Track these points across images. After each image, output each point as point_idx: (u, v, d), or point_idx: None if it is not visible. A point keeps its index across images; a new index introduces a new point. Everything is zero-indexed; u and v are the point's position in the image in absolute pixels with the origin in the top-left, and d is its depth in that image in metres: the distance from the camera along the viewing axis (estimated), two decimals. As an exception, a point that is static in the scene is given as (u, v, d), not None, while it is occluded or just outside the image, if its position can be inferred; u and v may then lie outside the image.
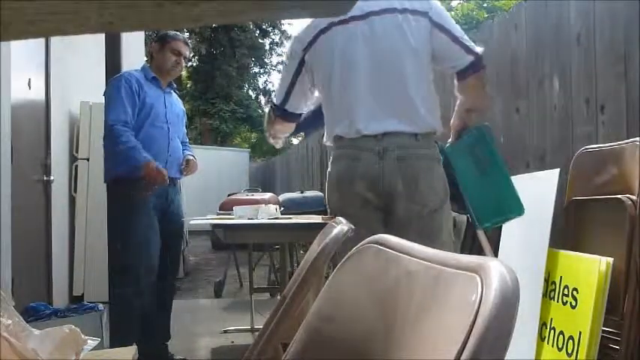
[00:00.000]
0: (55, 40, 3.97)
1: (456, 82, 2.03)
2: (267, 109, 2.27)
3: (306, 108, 2.17)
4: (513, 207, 1.88)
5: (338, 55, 1.95)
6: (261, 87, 22.29)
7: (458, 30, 1.99)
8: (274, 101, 2.17)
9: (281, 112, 2.14)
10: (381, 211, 1.92)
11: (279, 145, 2.42)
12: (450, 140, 2.08)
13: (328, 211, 2.08)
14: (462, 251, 2.72)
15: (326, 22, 1.97)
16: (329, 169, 2.00)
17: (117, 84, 2.82)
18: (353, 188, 1.90)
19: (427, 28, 1.95)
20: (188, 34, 18.62)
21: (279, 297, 1.68)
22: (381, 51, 1.92)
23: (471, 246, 2.78)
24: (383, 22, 1.93)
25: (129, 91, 2.78)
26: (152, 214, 2.80)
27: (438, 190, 1.92)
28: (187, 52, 3.00)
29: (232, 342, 3.64)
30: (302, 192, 4.08)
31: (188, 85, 21.06)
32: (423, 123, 1.90)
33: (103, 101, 2.90)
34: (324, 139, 2.09)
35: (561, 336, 1.85)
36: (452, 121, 2.05)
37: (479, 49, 1.98)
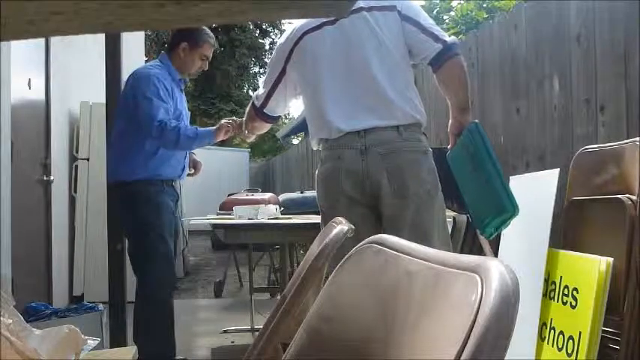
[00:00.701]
0: (55, 40, 3.97)
1: (434, 75, 2.01)
2: (248, 106, 2.32)
3: (285, 111, 2.28)
4: (507, 206, 1.87)
5: (310, 62, 1.99)
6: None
7: (427, 20, 1.98)
8: (255, 100, 2.22)
9: (260, 113, 2.21)
10: (369, 209, 1.92)
11: (250, 139, 2.53)
12: (449, 146, 2.08)
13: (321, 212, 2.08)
14: (462, 251, 2.72)
15: (300, 33, 2.01)
16: (317, 173, 2.02)
17: (154, 84, 2.62)
18: (338, 187, 1.90)
19: (397, 22, 1.94)
20: (188, 34, 18.63)
21: (279, 297, 1.69)
22: (351, 51, 1.94)
23: (471, 246, 2.78)
24: (351, 23, 1.93)
25: (167, 94, 2.67)
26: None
27: (425, 182, 1.89)
28: (210, 54, 2.86)
29: (232, 342, 3.64)
30: (302, 192, 4.08)
31: (188, 85, 21.06)
32: (402, 114, 1.89)
33: (123, 99, 2.74)
34: (313, 144, 2.09)
35: (561, 336, 1.85)
36: (448, 127, 2.04)
37: (450, 38, 1.96)
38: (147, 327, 2.63)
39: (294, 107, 24.13)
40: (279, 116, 2.29)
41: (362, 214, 1.90)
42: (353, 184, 1.88)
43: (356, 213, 1.86)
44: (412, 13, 1.96)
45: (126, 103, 2.70)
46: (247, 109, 2.31)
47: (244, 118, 2.38)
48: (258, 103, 2.20)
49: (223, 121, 2.72)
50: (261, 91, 2.19)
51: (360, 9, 1.93)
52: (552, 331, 1.92)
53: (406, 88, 1.95)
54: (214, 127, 2.70)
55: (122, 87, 2.88)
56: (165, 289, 2.70)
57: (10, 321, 0.97)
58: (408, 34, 1.95)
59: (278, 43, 2.15)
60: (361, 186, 1.88)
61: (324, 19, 1.93)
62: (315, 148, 2.08)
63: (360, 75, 1.92)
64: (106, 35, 3.42)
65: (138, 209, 2.63)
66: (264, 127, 2.37)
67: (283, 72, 2.08)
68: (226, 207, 4.80)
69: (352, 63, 1.93)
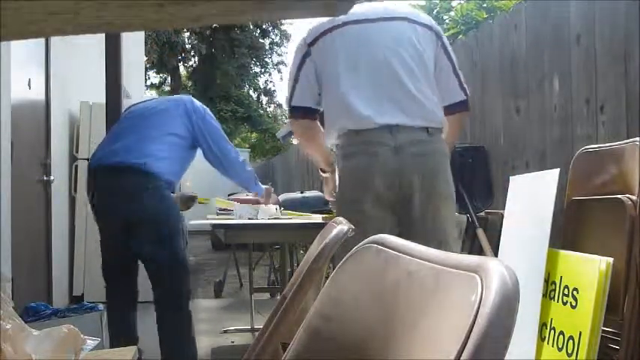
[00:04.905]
0: (55, 40, 3.97)
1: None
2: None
3: (314, 103, 2.08)
4: None
5: (345, 53, 1.96)
6: (261, 87, 22.30)
7: (456, 63, 2.07)
8: (289, 107, 2.12)
9: (291, 112, 2.10)
10: (391, 209, 1.91)
11: (327, 168, 2.29)
12: None
13: (336, 209, 2.04)
14: (462, 251, 2.72)
15: (336, 21, 1.98)
16: (341, 166, 1.96)
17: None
18: (369, 184, 1.87)
19: (434, 42, 2.01)
20: (188, 34, 18.66)
21: (279, 297, 1.69)
22: (387, 52, 1.94)
23: (470, 246, 2.78)
24: (392, 26, 1.98)
25: None
26: None
27: (450, 185, 1.95)
28: None
29: (232, 342, 3.64)
30: (302, 192, 4.08)
31: (188, 85, 21.08)
32: (431, 117, 1.93)
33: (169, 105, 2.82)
34: (329, 137, 2.05)
35: (561, 336, 1.85)
36: None
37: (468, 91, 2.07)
38: (182, 334, 2.60)
39: (294, 107, 24.07)
40: (313, 110, 2.08)
41: (384, 213, 1.89)
42: (385, 182, 1.87)
43: (380, 211, 1.87)
44: (449, 48, 2.06)
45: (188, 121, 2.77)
46: (295, 130, 2.19)
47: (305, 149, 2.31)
48: (287, 102, 2.09)
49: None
50: (288, 91, 2.10)
51: (404, 18, 1.99)
52: (552, 331, 1.92)
53: (433, 96, 1.98)
54: (264, 187, 2.95)
55: (122, 87, 2.88)
56: (187, 284, 2.67)
57: (9, 326, 0.97)
58: (440, 64, 2.03)
59: (301, 40, 2.08)
60: (392, 185, 1.87)
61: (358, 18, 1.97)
62: (332, 141, 2.02)
63: (393, 74, 1.93)
64: (106, 35, 3.42)
65: (172, 210, 2.62)
66: (310, 134, 2.16)
67: (307, 54, 2.02)
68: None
69: (387, 62, 1.93)
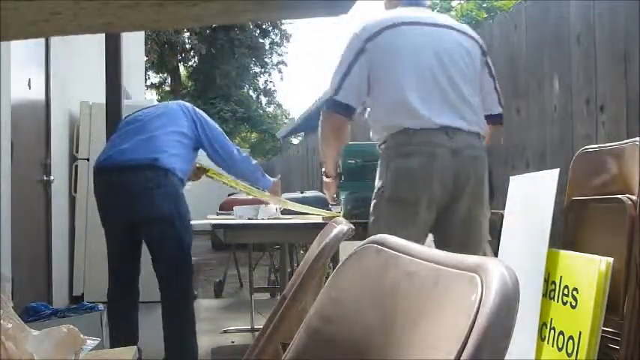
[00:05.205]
0: (55, 40, 3.97)
1: None
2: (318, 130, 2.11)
3: (358, 104, 2.03)
4: None
5: (405, 52, 1.94)
6: (261, 87, 22.29)
7: (497, 79, 2.14)
8: (328, 97, 2.04)
9: (332, 105, 2.00)
10: (437, 212, 1.91)
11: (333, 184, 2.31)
12: None
13: (379, 207, 1.96)
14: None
15: (390, 20, 1.98)
16: (394, 165, 1.91)
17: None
18: (426, 186, 1.86)
19: (479, 57, 2.05)
20: (188, 34, 18.66)
21: (279, 297, 1.69)
22: (448, 56, 1.95)
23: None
24: (445, 33, 2.00)
25: None
26: None
27: (488, 190, 2.00)
28: None
29: (232, 342, 3.64)
30: (302, 192, 4.08)
31: (188, 85, 21.08)
32: (482, 124, 1.98)
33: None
34: (376, 134, 2.01)
35: (561, 336, 1.85)
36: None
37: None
38: (190, 331, 2.62)
39: (294, 108, 24.09)
40: (354, 110, 2.02)
41: (431, 216, 1.90)
42: (441, 185, 1.87)
43: (429, 213, 1.88)
44: (491, 65, 2.11)
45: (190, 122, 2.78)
46: (318, 133, 2.13)
47: (320, 151, 2.22)
48: (330, 93, 2.00)
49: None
50: (332, 82, 2.01)
51: (455, 29, 2.03)
52: (552, 331, 1.92)
53: (481, 105, 2.03)
54: (271, 181, 2.95)
55: (122, 87, 2.88)
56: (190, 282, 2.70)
57: (10, 325, 0.97)
58: (482, 79, 2.07)
59: (354, 32, 2.02)
60: (446, 187, 1.88)
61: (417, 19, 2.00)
62: (380, 136, 1.98)
63: (451, 78, 1.94)
64: (106, 35, 3.42)
65: (185, 208, 2.61)
66: (339, 135, 2.10)
67: (362, 51, 1.95)
68: (226, 207, 4.80)
69: (445, 66, 1.94)
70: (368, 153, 2.30)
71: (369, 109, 2.05)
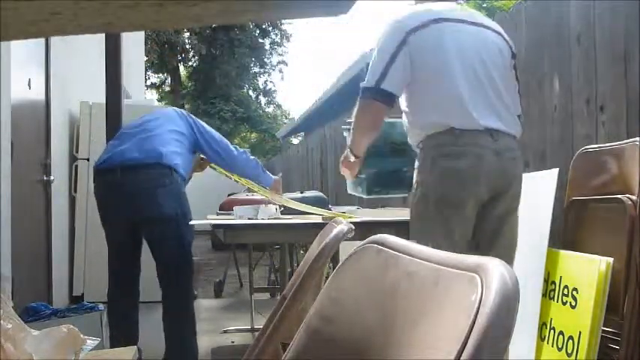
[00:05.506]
0: (55, 40, 3.97)
1: None
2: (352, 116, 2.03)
3: (400, 93, 1.96)
4: None
5: (450, 48, 1.91)
6: (261, 87, 22.30)
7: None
8: (364, 85, 1.95)
9: (375, 93, 1.92)
10: (477, 212, 1.91)
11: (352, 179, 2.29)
12: None
13: (421, 207, 1.93)
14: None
15: (432, 15, 1.95)
16: (441, 165, 1.88)
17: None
18: (474, 188, 1.86)
19: (509, 59, 2.04)
20: (188, 34, 18.66)
21: (279, 297, 1.68)
22: (488, 56, 1.95)
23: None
24: (484, 33, 2.00)
25: None
26: None
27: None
28: None
29: (232, 342, 3.64)
30: (302, 192, 4.08)
31: (188, 85, 21.08)
32: (519, 127, 1.99)
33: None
34: (416, 129, 1.98)
35: (561, 336, 1.85)
36: None
37: None
38: (190, 331, 2.63)
39: (294, 108, 24.10)
40: (396, 98, 1.95)
41: (474, 216, 1.90)
42: (487, 187, 1.88)
43: (472, 213, 1.88)
44: (517, 69, 2.11)
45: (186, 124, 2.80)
46: (353, 120, 2.04)
47: (348, 143, 2.13)
48: (372, 82, 1.91)
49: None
50: (372, 71, 1.93)
51: (495, 30, 2.03)
52: (552, 331, 1.92)
53: (516, 108, 2.04)
54: (272, 178, 3.00)
55: (122, 87, 2.90)
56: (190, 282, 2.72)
57: (10, 326, 0.97)
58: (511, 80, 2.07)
59: (393, 22, 1.97)
60: (489, 189, 1.88)
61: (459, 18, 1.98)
62: (420, 133, 1.95)
63: (492, 79, 1.94)
64: (106, 35, 3.42)
65: (185, 203, 2.62)
66: (375, 124, 2.03)
67: (404, 43, 1.91)
68: (226, 207, 4.79)
69: (487, 67, 1.93)
70: (387, 132, 2.28)
71: (404, 103, 2.01)
